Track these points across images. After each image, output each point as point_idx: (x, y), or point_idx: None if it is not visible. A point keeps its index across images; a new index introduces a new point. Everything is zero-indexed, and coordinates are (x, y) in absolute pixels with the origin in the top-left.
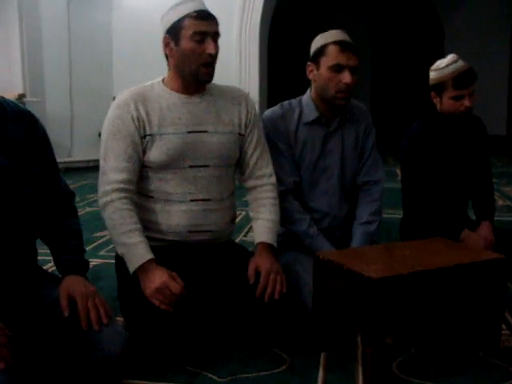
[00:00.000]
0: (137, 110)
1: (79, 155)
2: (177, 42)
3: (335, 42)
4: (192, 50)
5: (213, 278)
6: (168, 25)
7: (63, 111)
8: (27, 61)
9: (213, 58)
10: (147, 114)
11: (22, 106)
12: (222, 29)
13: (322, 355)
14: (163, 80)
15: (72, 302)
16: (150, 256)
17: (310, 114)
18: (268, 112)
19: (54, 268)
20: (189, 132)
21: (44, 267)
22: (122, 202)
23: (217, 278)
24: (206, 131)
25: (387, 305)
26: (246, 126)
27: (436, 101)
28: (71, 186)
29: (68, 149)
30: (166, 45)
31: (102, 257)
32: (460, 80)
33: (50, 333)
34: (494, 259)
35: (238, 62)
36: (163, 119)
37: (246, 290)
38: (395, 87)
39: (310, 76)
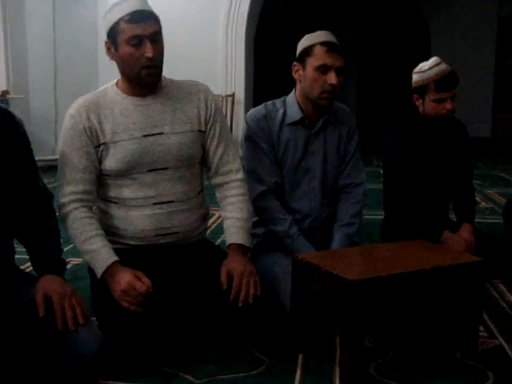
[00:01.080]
0: (88, 119)
1: None
2: (116, 47)
3: (322, 43)
4: (130, 54)
5: (184, 279)
6: (106, 28)
7: (47, 108)
8: (11, 57)
9: (152, 61)
10: (100, 123)
11: (1, 105)
12: (207, 30)
13: (300, 357)
14: (117, 83)
15: (48, 301)
16: (113, 259)
17: (294, 114)
18: (252, 112)
19: (31, 268)
20: (144, 136)
21: (21, 267)
22: (80, 211)
23: (189, 278)
24: (162, 133)
25: (365, 307)
26: (207, 122)
27: (418, 103)
28: (54, 184)
29: (52, 146)
30: (108, 50)
31: (82, 256)
32: (442, 83)
33: (24, 333)
34: (473, 262)
35: (224, 62)
36: (116, 126)
37: (220, 293)
38: (381, 88)
39: (296, 76)
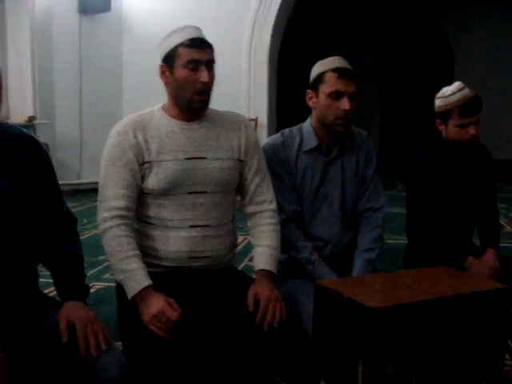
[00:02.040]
0: (135, 137)
1: (87, 177)
2: (171, 71)
3: (333, 69)
4: (186, 78)
5: (211, 305)
6: (163, 53)
7: (72, 133)
8: (38, 83)
9: (206, 86)
10: (146, 142)
11: (24, 130)
12: (230, 54)
13: (322, 383)
14: (163, 106)
15: (71, 327)
16: (147, 282)
17: (311, 141)
18: (269, 140)
19: (55, 292)
20: (187, 158)
21: (45, 290)
22: (121, 229)
23: (216, 304)
24: (204, 157)
25: (387, 334)
26: (246, 152)
27: (441, 128)
28: (79, 208)
29: (77, 171)
30: (162, 73)
31: (106, 280)
32: (466, 108)
33: (47, 358)
34: (497, 289)
35: (247, 87)
36: (162, 146)
37: (246, 318)
38: (405, 111)
39: (310, 103)
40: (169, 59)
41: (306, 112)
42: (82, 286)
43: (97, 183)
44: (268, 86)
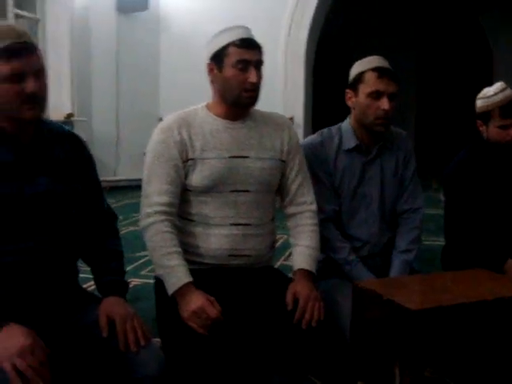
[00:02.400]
0: (180, 134)
1: (124, 174)
2: (220, 69)
3: (373, 69)
4: (234, 77)
5: (250, 303)
6: (212, 51)
7: (109, 131)
8: (76, 82)
9: (255, 86)
10: (190, 139)
11: (66, 128)
12: (267, 53)
13: None
14: (207, 105)
15: (111, 322)
16: (188, 279)
17: (350, 141)
18: (307, 140)
19: (94, 286)
20: (231, 157)
21: (84, 285)
22: (164, 225)
23: (255, 303)
24: (247, 157)
25: (426, 337)
26: (288, 153)
27: (482, 129)
28: (115, 205)
29: (113, 168)
30: (210, 71)
31: (143, 277)
32: (507, 109)
33: (87, 353)
34: None
35: (283, 86)
36: (206, 144)
37: (284, 317)
38: (441, 111)
39: (349, 103)
40: (218, 58)
41: (342, 111)
42: (122, 282)
43: (133, 180)
44: (304, 85)
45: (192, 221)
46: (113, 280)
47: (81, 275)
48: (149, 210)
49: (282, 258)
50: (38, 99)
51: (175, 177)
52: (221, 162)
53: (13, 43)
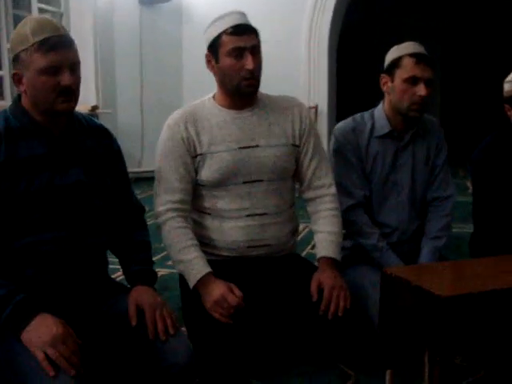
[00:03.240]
0: (186, 130)
1: (149, 165)
2: (217, 59)
3: (410, 54)
4: (231, 66)
5: (274, 292)
6: (208, 42)
7: (134, 123)
8: (100, 74)
9: (252, 73)
10: (197, 134)
11: (97, 121)
12: (290, 41)
13: (388, 372)
14: (214, 96)
15: (140, 311)
16: (207, 270)
17: (382, 127)
18: (340, 125)
19: (123, 277)
20: (240, 148)
21: (112, 275)
22: (176, 221)
23: (278, 291)
24: (257, 146)
25: (456, 324)
26: (301, 137)
27: (510, 114)
28: (141, 196)
29: (138, 159)
30: (208, 62)
31: (170, 267)
32: None
33: (117, 342)
34: None
35: (307, 75)
36: (214, 137)
37: (309, 306)
38: (466, 98)
39: (384, 88)
40: (213, 48)
41: (366, 99)
42: (151, 271)
43: None
44: (328, 73)
45: (208, 214)
46: (141, 269)
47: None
48: (160, 209)
49: (309, 246)
50: (73, 92)
51: (184, 174)
52: (230, 154)
53: (50, 36)
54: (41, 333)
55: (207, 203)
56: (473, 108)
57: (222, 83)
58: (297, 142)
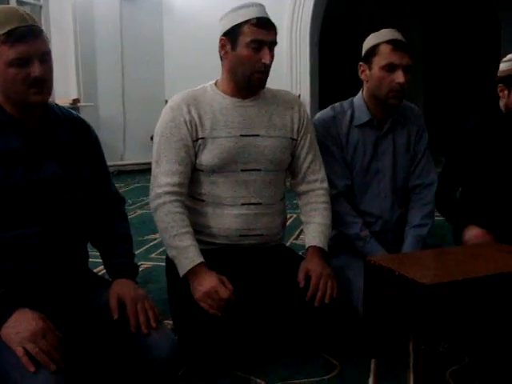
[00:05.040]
0: (189, 113)
1: (131, 158)
2: (233, 46)
3: (387, 41)
4: (248, 57)
5: (262, 282)
6: (227, 27)
7: (116, 115)
8: (81, 67)
9: (267, 67)
10: (200, 117)
11: (74, 112)
12: None
13: (373, 362)
14: (216, 83)
15: (122, 305)
16: (200, 259)
17: (362, 116)
18: (319, 114)
19: (104, 271)
20: (241, 135)
21: (94, 270)
22: (174, 205)
23: (266, 281)
24: (258, 135)
25: (440, 312)
26: (299, 131)
27: (503, 94)
28: (123, 189)
29: (120, 152)
30: (222, 47)
31: (153, 260)
32: None
33: (99, 336)
34: None
35: (289, 64)
36: (216, 122)
37: (296, 294)
38: (449, 86)
39: (362, 76)
40: (231, 34)
41: (348, 88)
42: (132, 264)
43: (140, 164)
44: (310, 63)
45: (203, 201)
46: (122, 262)
47: (90, 260)
48: (159, 191)
49: (292, 237)
50: (44, 83)
51: (185, 156)
52: (231, 140)
53: (17, 27)
54: (20, 328)
55: (204, 189)
56: (457, 96)
57: (233, 71)
58: (294, 136)
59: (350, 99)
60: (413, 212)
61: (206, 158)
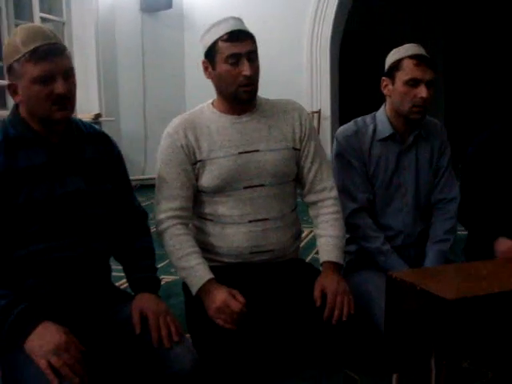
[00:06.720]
0: (186, 137)
1: (153, 172)
2: (213, 66)
3: (411, 56)
4: (228, 73)
5: (278, 297)
6: (204, 49)
7: (137, 130)
8: (103, 82)
9: (250, 79)
10: (196, 140)
11: (97, 127)
12: (292, 47)
13: (394, 377)
14: (213, 102)
15: (144, 319)
16: (209, 276)
17: (385, 130)
18: (342, 129)
19: (127, 285)
20: (240, 153)
21: (117, 283)
22: (177, 228)
23: (283, 296)
24: (257, 150)
25: (463, 327)
26: (301, 140)
27: None
28: (145, 203)
29: (142, 166)
30: (205, 69)
31: (174, 273)
32: None
33: (121, 349)
34: None
35: (310, 80)
36: (213, 143)
37: (313, 312)
38: (470, 101)
39: (385, 91)
40: (209, 55)
41: (369, 102)
42: (154, 278)
43: None
44: (330, 78)
45: (210, 220)
46: (145, 277)
47: (113, 274)
48: (161, 217)
49: (314, 251)
50: (68, 100)
51: (185, 181)
52: (230, 159)
53: (41, 45)
54: (44, 341)
55: (208, 209)
56: (478, 110)
57: (220, 90)
58: (297, 146)
59: (372, 114)
60: (435, 227)
61: (207, 179)
